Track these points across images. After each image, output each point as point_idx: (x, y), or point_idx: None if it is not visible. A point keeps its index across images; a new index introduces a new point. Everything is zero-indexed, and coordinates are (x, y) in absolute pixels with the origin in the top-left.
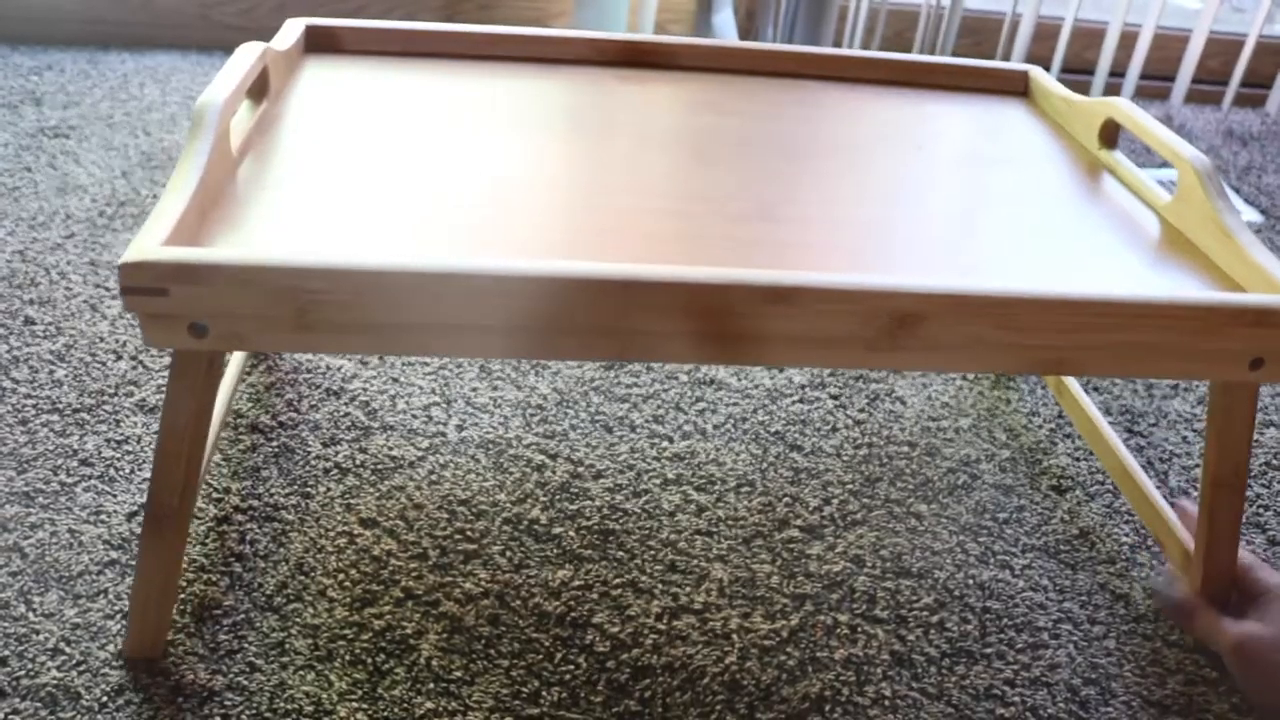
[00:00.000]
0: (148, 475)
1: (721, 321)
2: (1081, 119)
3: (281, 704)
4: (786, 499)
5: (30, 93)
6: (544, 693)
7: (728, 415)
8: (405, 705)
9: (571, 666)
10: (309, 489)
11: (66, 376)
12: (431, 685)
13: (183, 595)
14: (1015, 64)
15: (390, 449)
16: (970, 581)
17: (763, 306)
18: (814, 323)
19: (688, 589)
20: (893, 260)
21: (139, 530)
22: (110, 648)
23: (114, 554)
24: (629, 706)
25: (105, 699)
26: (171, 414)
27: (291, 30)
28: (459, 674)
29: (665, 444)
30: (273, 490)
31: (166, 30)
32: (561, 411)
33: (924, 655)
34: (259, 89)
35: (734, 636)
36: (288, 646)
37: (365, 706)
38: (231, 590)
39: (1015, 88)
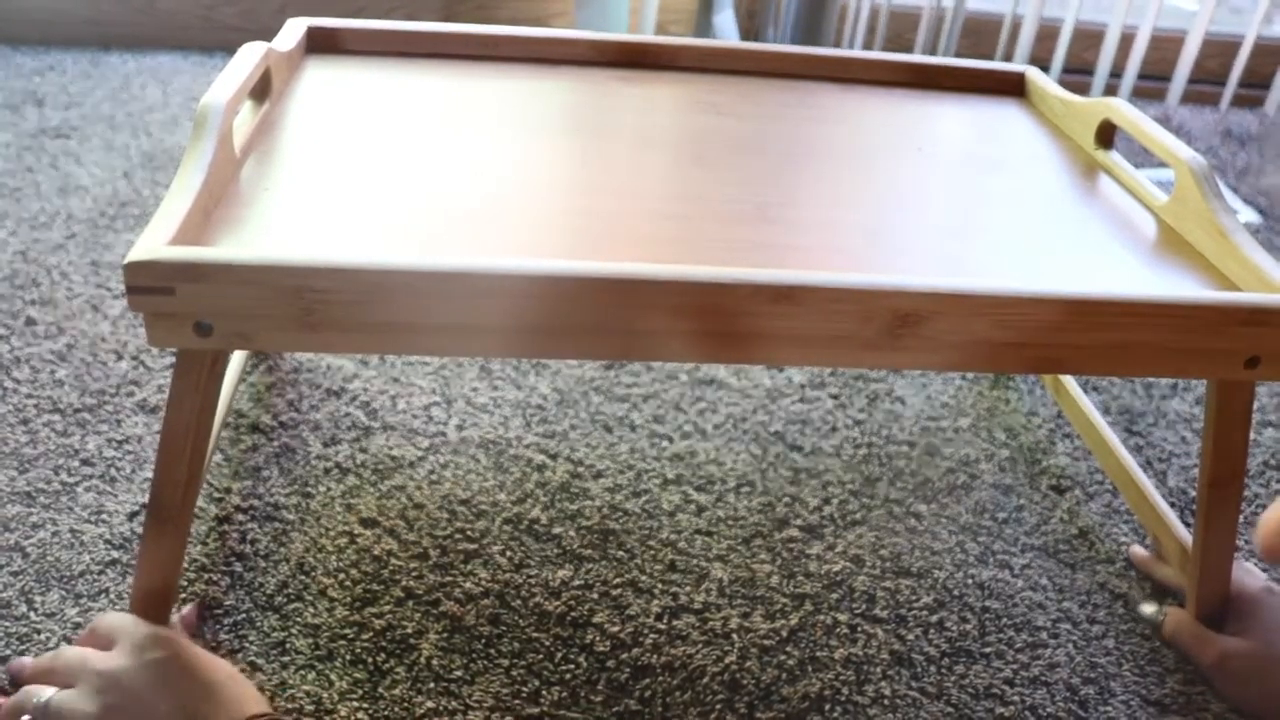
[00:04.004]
0: (149, 475)
1: (722, 321)
2: (1078, 119)
3: (282, 703)
4: (786, 499)
5: (32, 93)
6: (544, 692)
7: (728, 415)
8: (405, 705)
9: (571, 666)
10: (309, 489)
11: (68, 376)
12: (432, 685)
13: (183, 594)
14: (1012, 65)
15: (390, 449)
16: (970, 581)
17: (764, 306)
18: (815, 322)
19: (688, 589)
20: (892, 261)
21: (140, 530)
22: None
23: (115, 553)
24: (629, 706)
25: None
26: (175, 413)
27: (293, 31)
28: (459, 673)
29: (665, 444)
30: (273, 490)
31: (168, 31)
32: (561, 411)
33: (923, 655)
34: (261, 89)
35: (734, 636)
36: (288, 646)
37: (366, 706)
38: (232, 589)
39: (1012, 88)
